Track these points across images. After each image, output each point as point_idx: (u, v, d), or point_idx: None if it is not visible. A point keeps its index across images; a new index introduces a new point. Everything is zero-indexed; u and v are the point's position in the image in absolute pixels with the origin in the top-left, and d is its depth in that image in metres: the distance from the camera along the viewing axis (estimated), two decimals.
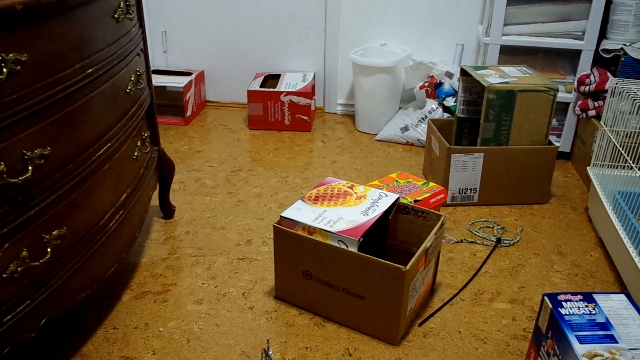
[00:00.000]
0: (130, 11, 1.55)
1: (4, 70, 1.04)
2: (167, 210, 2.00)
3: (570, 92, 2.43)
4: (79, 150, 1.29)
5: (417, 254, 1.36)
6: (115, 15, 1.45)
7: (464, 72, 2.17)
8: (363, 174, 2.32)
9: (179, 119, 2.89)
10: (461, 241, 1.86)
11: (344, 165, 2.40)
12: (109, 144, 1.41)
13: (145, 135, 1.72)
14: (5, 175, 1.07)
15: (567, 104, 2.44)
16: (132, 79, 1.57)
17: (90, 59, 1.31)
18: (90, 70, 1.30)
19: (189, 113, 2.90)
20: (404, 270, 1.31)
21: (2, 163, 1.06)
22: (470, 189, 2.07)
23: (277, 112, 2.77)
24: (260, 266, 1.73)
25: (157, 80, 2.89)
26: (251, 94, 2.75)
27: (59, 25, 1.18)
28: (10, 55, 1.05)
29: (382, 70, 2.61)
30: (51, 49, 1.16)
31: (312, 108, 2.86)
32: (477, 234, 1.90)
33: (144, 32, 1.72)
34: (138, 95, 1.63)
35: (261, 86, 2.81)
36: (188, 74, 3.01)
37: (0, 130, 1.06)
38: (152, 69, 3.07)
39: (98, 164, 1.37)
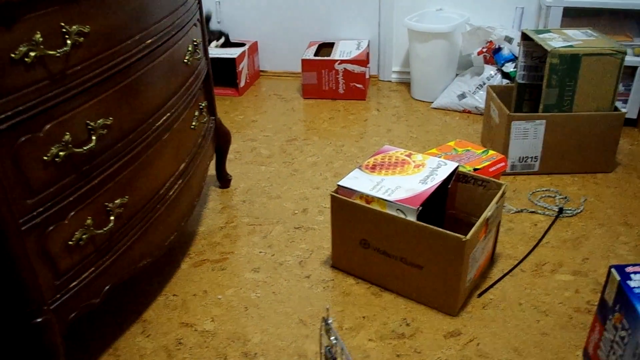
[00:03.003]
0: None
1: (68, 42, 1.05)
2: (224, 180, 2.02)
3: (638, 56, 2.30)
4: (140, 121, 1.30)
5: (477, 224, 1.33)
6: None
7: (525, 37, 2.08)
8: (420, 143, 2.27)
9: (233, 89, 2.88)
10: (521, 211, 1.81)
11: (399, 134, 2.36)
12: (168, 114, 1.42)
13: (203, 105, 1.72)
14: (70, 145, 1.09)
15: (635, 68, 2.31)
16: (190, 49, 1.57)
17: (149, 29, 1.31)
18: (149, 41, 1.31)
19: (242, 84, 2.89)
20: (464, 240, 1.28)
21: (68, 133, 1.08)
22: (531, 157, 2.00)
23: (331, 80, 2.73)
24: (317, 235, 1.73)
25: (211, 51, 2.88)
26: (305, 62, 2.72)
27: None
28: (74, 27, 1.06)
29: (439, 36, 2.53)
30: (112, 20, 1.17)
31: (367, 76, 2.81)
32: (538, 203, 1.84)
33: (200, 2, 1.71)
34: (195, 65, 1.63)
35: (315, 55, 2.78)
36: (241, 44, 2.99)
37: (65, 101, 1.07)
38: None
39: (158, 133, 1.38)
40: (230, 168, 2.15)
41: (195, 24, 1.64)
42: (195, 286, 1.54)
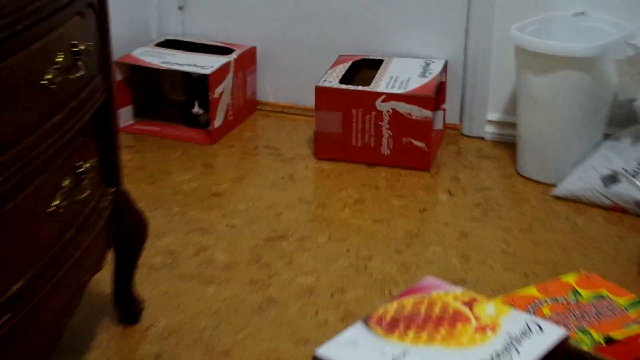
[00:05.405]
0: None
1: None
2: (128, 308, 1.91)
3: None
4: None
5: None
6: None
7: None
8: (518, 267, 2.14)
9: (199, 132, 2.85)
10: None
11: (482, 244, 2.25)
12: None
13: (87, 166, 1.60)
14: None
15: None
16: (60, 60, 1.44)
17: None
18: None
19: (218, 122, 2.84)
20: None
21: None
22: None
23: (368, 129, 2.64)
24: None
25: (169, 60, 2.86)
26: (322, 93, 2.65)
27: None
28: None
29: (573, 64, 2.43)
30: None
31: (437, 126, 2.75)
32: None
33: None
34: (72, 91, 1.52)
35: (343, 80, 2.70)
36: (227, 51, 2.95)
37: None
38: (164, 37, 3.08)
39: None
40: (149, 282, 2.05)
41: (80, 13, 1.55)
42: None
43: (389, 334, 1.33)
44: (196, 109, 2.80)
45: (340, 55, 2.91)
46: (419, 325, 1.35)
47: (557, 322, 1.49)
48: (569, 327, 1.49)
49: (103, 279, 1.95)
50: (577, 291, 1.64)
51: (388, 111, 2.57)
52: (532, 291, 1.64)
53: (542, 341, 1.31)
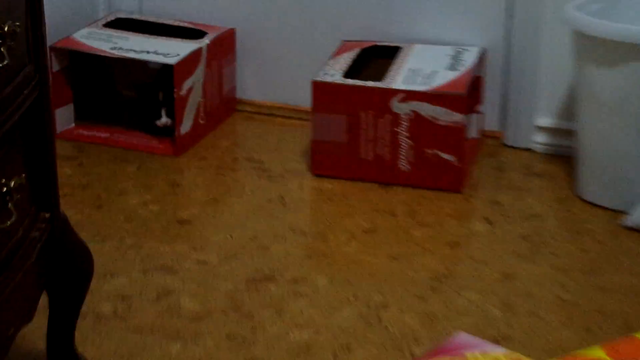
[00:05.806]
0: None
1: None
2: None
3: None
4: None
5: None
6: None
7: None
8: (578, 320, 2.13)
9: (162, 140, 2.84)
10: None
11: (532, 290, 2.23)
12: None
13: (12, 184, 1.55)
14: None
15: None
16: None
17: None
18: None
19: (186, 127, 2.84)
20: None
21: None
22: None
23: (380, 138, 2.62)
24: None
25: (121, 45, 2.86)
26: (321, 90, 2.62)
27: None
28: None
29: None
30: None
31: (472, 134, 2.73)
32: None
33: None
34: None
35: (349, 74, 2.67)
36: (198, 34, 2.96)
37: None
38: (115, 16, 3.09)
39: None
40: (95, 337, 2.02)
41: None
42: None
43: None
44: (164, 119, 2.79)
45: (344, 41, 2.89)
46: None
47: None
48: None
49: (35, 333, 1.93)
50: None
51: (407, 114, 2.54)
52: (597, 353, 1.54)
53: None
